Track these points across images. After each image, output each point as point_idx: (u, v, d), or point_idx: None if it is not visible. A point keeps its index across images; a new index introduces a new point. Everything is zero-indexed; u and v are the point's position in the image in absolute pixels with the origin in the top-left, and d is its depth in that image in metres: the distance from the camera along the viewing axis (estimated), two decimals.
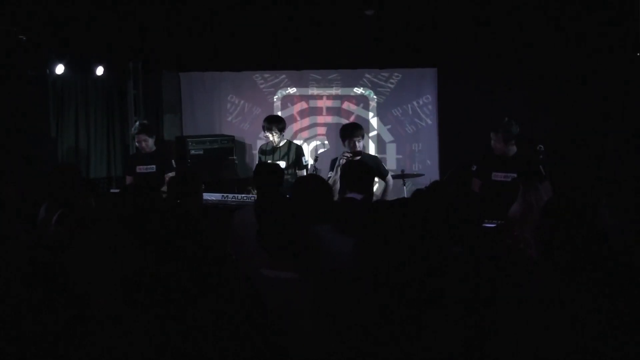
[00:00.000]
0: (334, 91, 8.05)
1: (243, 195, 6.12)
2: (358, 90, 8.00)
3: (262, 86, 8.16)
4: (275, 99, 8.16)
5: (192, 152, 7.55)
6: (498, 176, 5.39)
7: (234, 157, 7.74)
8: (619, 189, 3.33)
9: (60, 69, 6.89)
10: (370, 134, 7.92)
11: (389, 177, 6.17)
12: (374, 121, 7.96)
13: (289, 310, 2.32)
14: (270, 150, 6.50)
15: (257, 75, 8.15)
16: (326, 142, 8.04)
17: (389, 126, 7.93)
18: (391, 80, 7.88)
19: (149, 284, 2.10)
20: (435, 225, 2.39)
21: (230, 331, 2.03)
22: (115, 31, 7.07)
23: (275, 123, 6.45)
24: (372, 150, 7.89)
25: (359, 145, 5.84)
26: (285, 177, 5.35)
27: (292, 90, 8.15)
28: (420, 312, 1.99)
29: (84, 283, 2.30)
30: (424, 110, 7.80)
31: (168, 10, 7.05)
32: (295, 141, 7.24)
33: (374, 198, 4.98)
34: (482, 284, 2.26)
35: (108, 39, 7.16)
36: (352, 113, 7.99)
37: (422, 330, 1.98)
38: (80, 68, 7.27)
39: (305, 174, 6.19)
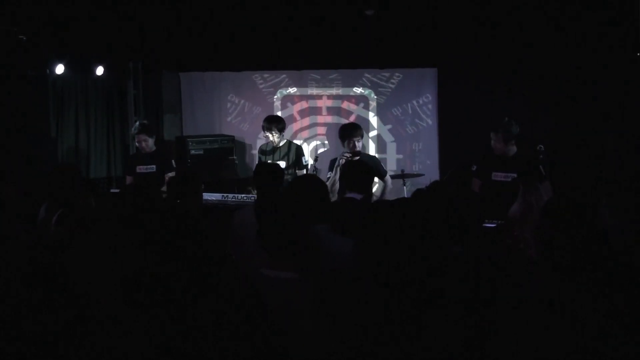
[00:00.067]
0: (334, 91, 8.05)
1: (243, 195, 6.12)
2: (358, 90, 8.00)
3: (261, 86, 8.16)
4: (275, 99, 8.16)
5: (192, 152, 7.55)
6: (498, 176, 5.40)
7: (234, 157, 7.74)
8: (619, 189, 3.33)
9: (60, 69, 6.89)
10: (370, 134, 7.92)
11: (388, 177, 6.17)
12: (374, 121, 7.96)
13: (289, 310, 2.32)
14: (270, 150, 6.50)
15: (256, 75, 8.15)
16: (326, 142, 8.04)
17: (389, 126, 7.93)
18: (392, 81, 7.88)
19: (149, 284, 2.10)
20: (435, 225, 2.38)
21: (230, 331, 2.03)
22: (115, 31, 7.07)
23: (274, 123, 6.45)
24: (372, 150, 7.89)
25: (358, 146, 5.84)
26: (285, 177, 5.35)
27: (292, 90, 8.15)
28: (420, 312, 1.99)
29: (84, 283, 2.30)
30: (424, 109, 7.80)
31: (168, 10, 7.05)
32: (295, 141, 7.25)
33: (373, 198, 4.98)
34: (482, 284, 2.26)
35: (108, 39, 7.16)
36: (353, 113, 7.99)
37: (422, 330, 1.98)
38: (80, 68, 7.27)
39: (305, 173, 6.19)
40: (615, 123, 6.85)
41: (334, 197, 5.50)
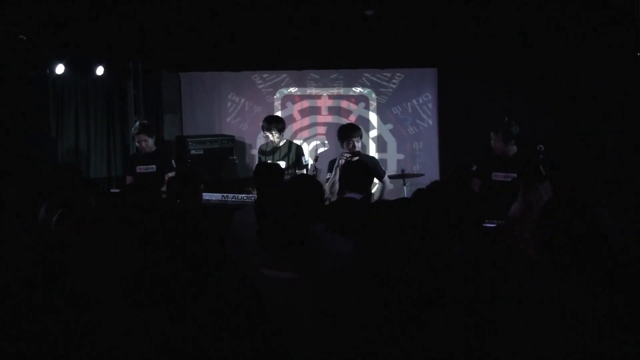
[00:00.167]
0: (334, 91, 8.05)
1: (243, 195, 6.12)
2: (358, 90, 8.00)
3: (260, 86, 8.16)
4: (275, 99, 8.17)
5: (192, 152, 7.56)
6: (498, 176, 5.40)
7: (234, 157, 7.74)
8: (619, 189, 3.33)
9: (60, 69, 6.89)
10: (371, 134, 7.93)
11: (386, 178, 6.18)
12: (374, 121, 7.96)
13: (289, 310, 2.32)
14: (270, 150, 6.50)
15: (255, 75, 8.15)
16: (326, 141, 8.04)
17: (389, 126, 7.93)
18: (393, 81, 7.89)
19: (149, 284, 2.10)
20: (436, 225, 2.38)
21: (230, 331, 2.03)
22: (115, 31, 7.07)
23: (274, 123, 6.46)
24: (372, 149, 7.89)
25: (358, 146, 5.85)
26: (285, 177, 5.35)
27: (292, 90, 8.15)
28: (420, 312, 1.99)
29: (84, 283, 2.30)
30: (424, 108, 7.80)
31: (168, 10, 7.04)
32: (295, 141, 7.25)
33: (372, 199, 4.98)
34: (482, 284, 2.26)
35: (108, 39, 7.16)
36: (353, 112, 7.99)
37: (422, 330, 1.98)
38: (80, 68, 7.28)
39: (305, 173, 6.19)
40: (615, 123, 6.86)
41: (333, 198, 5.50)
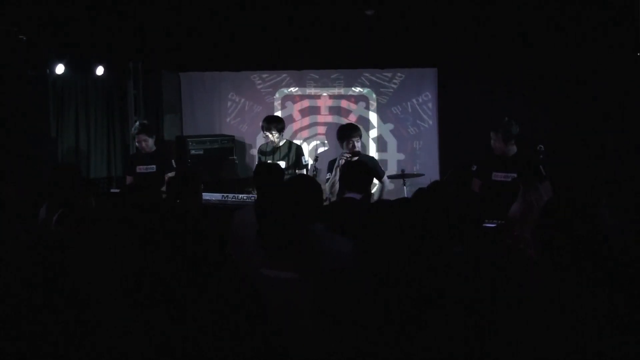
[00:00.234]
0: (334, 91, 8.06)
1: (243, 195, 6.12)
2: (357, 89, 8.00)
3: (260, 86, 8.17)
4: (275, 99, 8.17)
5: (192, 152, 7.56)
6: (498, 176, 5.39)
7: (234, 157, 7.74)
8: (619, 189, 3.33)
9: (60, 69, 6.89)
10: (371, 133, 7.93)
11: (385, 178, 6.18)
12: (374, 120, 7.96)
13: (289, 310, 2.32)
14: (270, 151, 6.50)
15: (255, 75, 8.15)
16: (326, 141, 8.04)
17: (389, 125, 7.93)
18: (394, 81, 7.89)
19: (149, 284, 2.10)
20: (436, 225, 2.38)
21: (230, 331, 2.03)
22: (115, 31, 7.08)
23: (274, 123, 6.46)
24: (372, 149, 7.89)
25: (357, 146, 5.84)
26: (285, 177, 5.34)
27: (292, 90, 8.15)
28: (420, 312, 1.99)
29: (84, 283, 2.30)
30: (424, 108, 7.80)
31: (168, 10, 7.05)
32: (295, 141, 7.25)
33: (371, 199, 4.97)
34: (482, 284, 2.26)
35: (108, 39, 7.16)
36: (353, 112, 7.99)
37: (422, 330, 1.98)
38: (80, 68, 7.28)
39: (305, 173, 6.19)
40: (615, 123, 6.86)
41: (333, 198, 5.50)
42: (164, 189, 5.55)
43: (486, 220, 4.55)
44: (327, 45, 7.60)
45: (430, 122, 7.79)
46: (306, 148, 7.83)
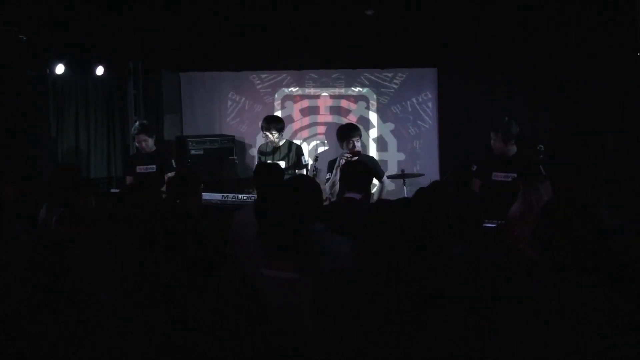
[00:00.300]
0: (334, 90, 8.05)
1: (243, 195, 6.12)
2: (357, 89, 8.00)
3: (259, 86, 8.16)
4: (275, 98, 8.17)
5: (192, 152, 7.55)
6: (498, 176, 5.39)
7: (234, 157, 7.74)
8: (619, 189, 3.33)
9: (60, 69, 6.89)
10: (371, 133, 7.93)
11: (385, 178, 6.19)
12: (374, 120, 7.96)
13: (289, 310, 2.32)
14: (270, 151, 6.49)
15: (254, 75, 8.15)
16: (326, 141, 8.04)
17: (389, 125, 7.93)
18: (395, 81, 7.89)
19: (149, 284, 2.10)
20: (436, 225, 2.38)
21: (230, 331, 2.03)
22: (115, 31, 7.07)
23: (273, 123, 6.45)
24: (372, 149, 7.89)
25: (358, 146, 5.84)
26: (285, 177, 5.34)
27: (292, 90, 8.15)
28: (420, 312, 1.99)
29: (84, 283, 2.30)
30: (423, 107, 7.80)
31: (168, 10, 7.05)
32: (295, 141, 7.25)
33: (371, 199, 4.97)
34: (482, 284, 2.26)
35: (108, 39, 7.16)
36: (353, 112, 7.99)
37: (422, 330, 1.98)
38: (80, 68, 7.27)
39: (305, 173, 6.19)
40: (615, 123, 6.86)
41: (334, 198, 5.50)
42: (164, 189, 5.56)
43: (486, 220, 4.54)
44: (327, 45, 7.59)
45: (430, 122, 7.79)
46: (306, 148, 7.83)
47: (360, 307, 2.06)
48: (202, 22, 7.37)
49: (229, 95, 8.23)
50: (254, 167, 4.90)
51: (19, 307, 2.19)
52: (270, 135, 6.39)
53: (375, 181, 5.85)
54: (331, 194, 5.61)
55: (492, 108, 7.05)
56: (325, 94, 8.08)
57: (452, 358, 1.97)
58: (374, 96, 7.94)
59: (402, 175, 6.70)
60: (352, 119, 7.85)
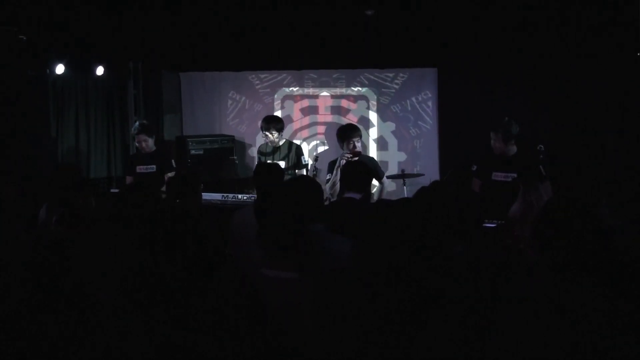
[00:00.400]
0: (334, 90, 8.06)
1: (243, 195, 6.12)
2: (356, 89, 8.00)
3: (258, 87, 8.17)
4: (275, 98, 8.17)
5: (192, 152, 7.56)
6: (498, 176, 5.39)
7: (234, 157, 7.74)
8: (619, 189, 3.33)
9: (60, 69, 6.89)
10: (371, 133, 7.93)
11: (385, 179, 6.19)
12: (374, 120, 7.96)
13: (289, 310, 2.32)
14: (270, 151, 6.49)
15: (253, 75, 8.15)
16: (326, 141, 8.04)
17: (389, 124, 7.93)
18: (396, 81, 7.89)
19: (149, 284, 2.10)
20: (436, 225, 2.38)
21: (230, 331, 2.03)
22: (115, 31, 7.08)
23: (273, 123, 6.45)
24: (372, 149, 7.90)
25: (358, 146, 5.84)
26: (285, 177, 5.35)
27: (292, 90, 8.15)
28: (420, 312, 1.99)
29: (84, 283, 2.30)
30: (423, 106, 7.80)
31: (168, 10, 7.05)
32: (295, 140, 7.26)
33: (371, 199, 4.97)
34: (482, 284, 2.26)
35: (108, 39, 7.16)
36: (353, 112, 7.99)
37: (422, 330, 1.98)
38: (80, 68, 7.27)
39: (305, 173, 6.19)
40: (615, 123, 6.86)
41: (334, 199, 5.50)
42: (164, 189, 5.56)
43: (486, 220, 4.55)
44: (327, 45, 7.60)
45: (431, 122, 7.79)
46: (306, 148, 7.83)
47: (360, 307, 2.06)
48: (202, 22, 7.37)
49: (229, 95, 8.24)
50: (254, 167, 4.90)
51: (19, 307, 2.19)
52: (270, 135, 6.39)
53: (375, 182, 5.85)
54: (331, 194, 5.61)
55: (492, 108, 7.05)
56: (325, 93, 8.08)
57: (452, 358, 1.97)
58: (374, 96, 7.94)
59: (402, 175, 6.70)
60: (352, 118, 7.85)
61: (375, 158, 7.05)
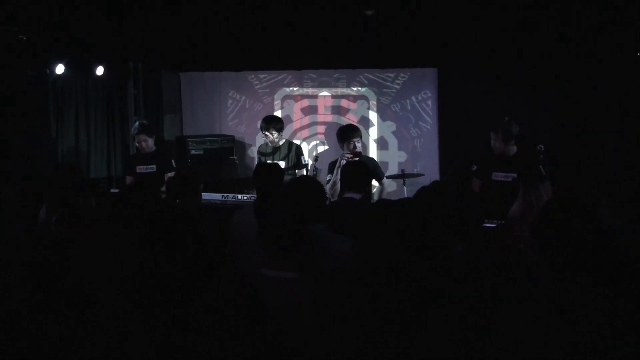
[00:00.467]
0: (333, 90, 8.05)
1: (243, 195, 6.12)
2: (355, 89, 8.00)
3: (257, 87, 8.17)
4: (275, 98, 8.17)
5: (192, 152, 7.55)
6: (498, 176, 5.39)
7: (234, 157, 7.74)
8: (619, 189, 3.33)
9: (60, 69, 6.89)
10: (371, 133, 7.93)
11: (385, 180, 6.19)
12: (374, 120, 7.96)
13: (289, 310, 2.32)
14: (270, 152, 6.49)
15: (253, 75, 8.15)
16: (326, 141, 8.04)
17: (389, 124, 7.93)
18: (397, 81, 7.88)
19: (149, 284, 2.10)
20: (436, 225, 2.38)
21: (230, 331, 2.03)
22: (115, 31, 7.07)
23: (272, 123, 6.45)
24: (372, 149, 7.89)
25: (358, 146, 5.84)
26: (285, 177, 5.34)
27: (291, 90, 8.15)
28: (420, 312, 1.99)
29: (84, 283, 2.30)
30: (423, 105, 7.79)
31: (168, 10, 7.05)
32: (295, 140, 7.25)
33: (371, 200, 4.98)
34: (482, 284, 2.26)
35: (108, 39, 7.16)
36: (353, 112, 7.99)
37: (422, 330, 1.98)
38: (80, 68, 7.27)
39: (305, 173, 6.19)
40: (615, 123, 6.85)
41: (334, 199, 5.50)
42: (164, 189, 5.56)
43: (486, 220, 4.55)
44: (327, 45, 7.59)
45: (431, 122, 7.79)
46: (306, 148, 7.83)
47: (360, 307, 2.06)
48: (202, 22, 7.37)
49: (229, 94, 8.23)
50: (254, 167, 4.90)
51: (19, 307, 2.19)
52: (269, 135, 6.39)
53: (375, 183, 5.86)
54: (331, 194, 5.61)
55: (492, 108, 7.05)
56: (325, 93, 8.08)
57: (452, 358, 1.97)
58: (374, 96, 7.94)
59: (402, 175, 6.70)
60: (352, 118, 7.85)
61: (376, 158, 7.05)
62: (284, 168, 6.11)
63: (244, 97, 8.21)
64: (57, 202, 4.07)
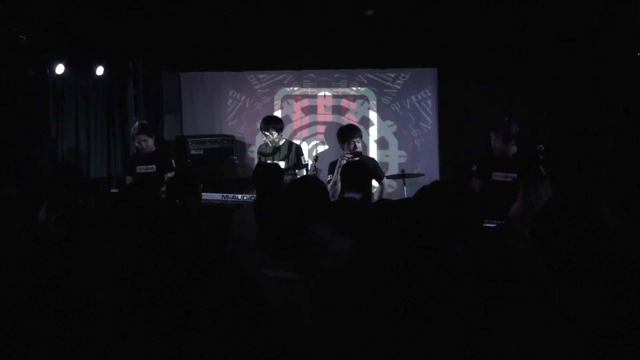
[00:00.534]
0: (334, 90, 8.05)
1: (243, 195, 6.12)
2: (355, 88, 8.00)
3: (257, 87, 8.17)
4: (274, 98, 8.17)
5: (192, 152, 7.55)
6: (498, 176, 5.39)
7: (234, 157, 7.74)
8: (619, 189, 3.33)
9: (60, 69, 6.89)
10: (371, 133, 7.93)
11: (385, 180, 6.19)
12: (374, 120, 7.96)
13: (289, 310, 2.32)
14: (270, 152, 6.49)
15: (252, 75, 8.15)
16: (326, 141, 8.04)
17: (389, 124, 7.93)
18: (398, 81, 7.88)
19: (149, 284, 2.10)
20: (436, 225, 2.38)
21: (230, 331, 2.03)
22: (115, 31, 7.08)
23: (272, 123, 6.45)
24: (373, 149, 7.89)
25: (358, 146, 5.84)
26: (285, 177, 5.34)
27: (291, 89, 8.15)
28: (420, 312, 1.99)
29: (84, 283, 2.30)
30: (423, 105, 7.79)
31: (168, 10, 7.05)
32: (295, 140, 7.25)
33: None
34: (482, 284, 2.26)
35: (108, 39, 7.16)
36: (353, 112, 7.99)
37: (422, 330, 1.98)
38: (80, 68, 7.27)
39: (305, 173, 6.19)
40: (615, 123, 6.85)
41: (334, 199, 5.50)
42: (164, 189, 5.56)
43: (486, 220, 4.55)
44: (327, 45, 7.59)
45: (431, 122, 7.79)
46: (306, 147, 7.83)
47: (360, 307, 2.06)
48: (201, 22, 7.37)
49: (229, 94, 8.24)
50: (254, 167, 4.90)
51: (19, 307, 2.19)
52: (269, 135, 6.39)
53: (375, 183, 5.86)
54: (332, 194, 5.61)
55: (492, 108, 7.05)
56: (325, 93, 8.08)
57: (452, 358, 1.97)
58: (375, 96, 7.94)
59: (402, 175, 6.70)
60: (352, 118, 7.85)
61: (376, 158, 7.05)
62: (284, 168, 6.11)
63: (244, 97, 8.21)
64: (57, 202, 4.07)
